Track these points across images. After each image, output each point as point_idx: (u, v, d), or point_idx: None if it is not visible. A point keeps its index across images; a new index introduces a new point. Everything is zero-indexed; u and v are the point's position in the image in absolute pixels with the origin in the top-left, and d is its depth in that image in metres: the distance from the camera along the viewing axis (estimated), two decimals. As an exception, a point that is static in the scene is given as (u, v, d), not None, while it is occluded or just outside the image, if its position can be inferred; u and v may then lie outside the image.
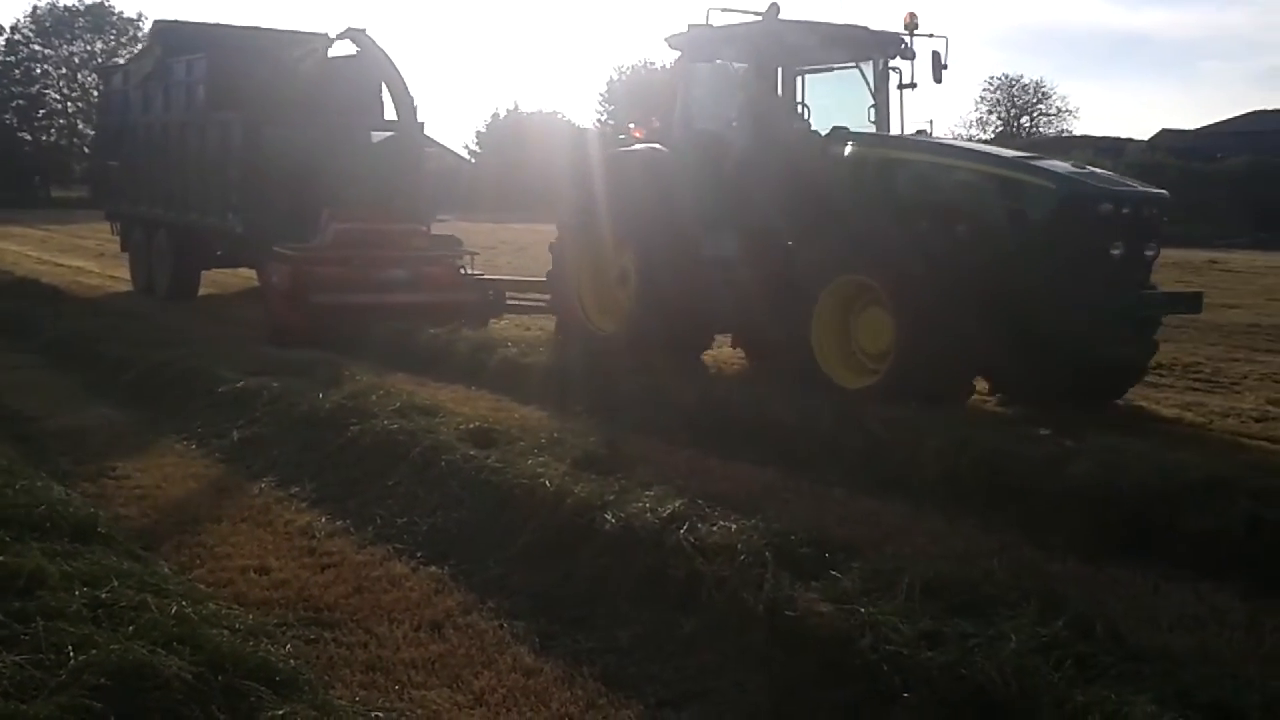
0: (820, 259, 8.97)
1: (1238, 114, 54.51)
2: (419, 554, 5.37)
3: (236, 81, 15.29)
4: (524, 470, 5.80)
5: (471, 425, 6.85)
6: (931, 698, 3.57)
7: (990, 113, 72.41)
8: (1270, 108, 55.22)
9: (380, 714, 3.77)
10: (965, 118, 78.71)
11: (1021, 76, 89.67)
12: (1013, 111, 71.24)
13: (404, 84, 15.28)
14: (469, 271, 13.30)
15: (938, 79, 10.30)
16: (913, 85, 10.35)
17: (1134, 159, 42.04)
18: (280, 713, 3.38)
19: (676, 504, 5.16)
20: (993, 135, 66.55)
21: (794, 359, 9.02)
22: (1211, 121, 54.89)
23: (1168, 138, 51.60)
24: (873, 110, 10.50)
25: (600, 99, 70.00)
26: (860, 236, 8.83)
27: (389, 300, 11.99)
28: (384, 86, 15.68)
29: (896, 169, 9.30)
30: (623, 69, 70.00)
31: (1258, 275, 21.59)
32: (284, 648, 4.07)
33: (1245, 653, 4.09)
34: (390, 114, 15.79)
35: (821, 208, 9.32)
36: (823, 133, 9.94)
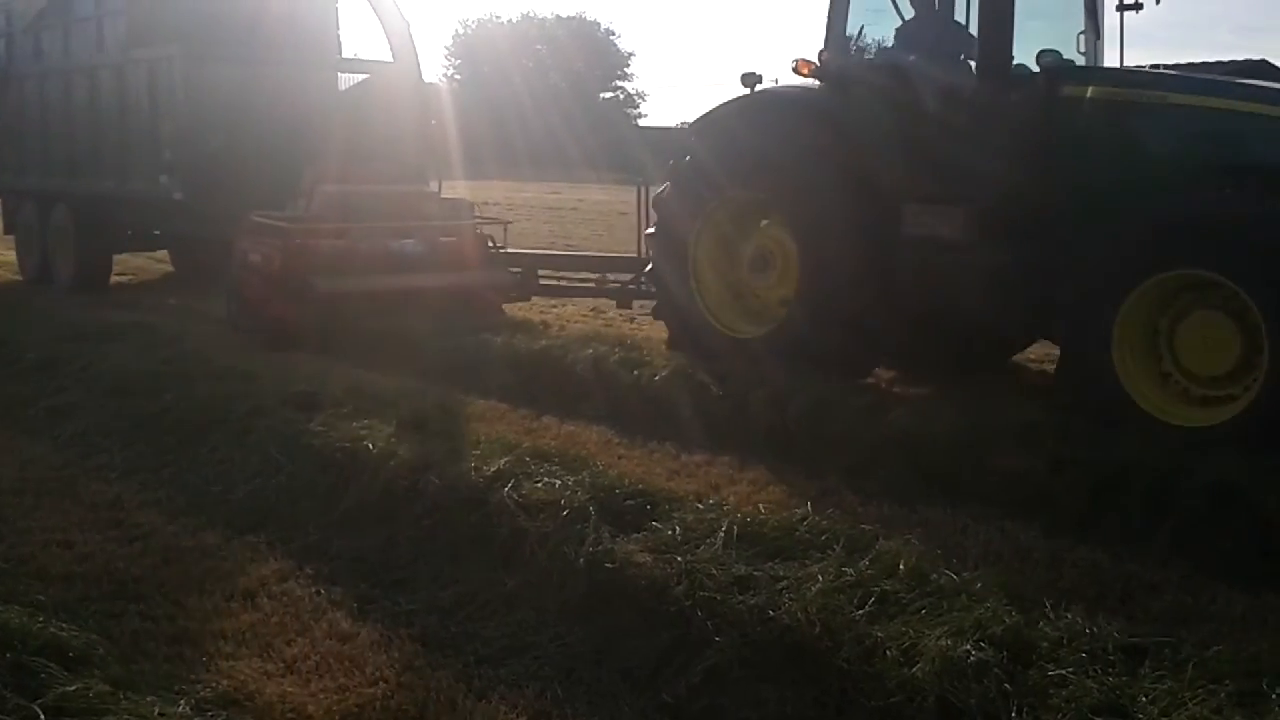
0: (1127, 246, 6.16)
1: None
2: (234, 522, 5.19)
3: (164, 12, 12.21)
4: (347, 433, 5.66)
5: (295, 389, 6.64)
6: (741, 640, 3.64)
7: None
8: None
9: (183, 686, 3.64)
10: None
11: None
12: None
13: (397, 9, 12.22)
14: (496, 245, 10.56)
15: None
16: (1137, 6, 7.72)
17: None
18: (71, 689, 3.24)
19: (502, 462, 5.12)
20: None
21: (1084, 384, 6.22)
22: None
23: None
24: (1082, 39, 7.77)
25: (446, 53, 68.81)
26: (1186, 214, 6.11)
27: (408, 283, 9.37)
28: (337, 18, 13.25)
29: (1178, 119, 6.56)
30: (468, 22, 68.93)
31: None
32: (83, 623, 3.90)
33: (1044, 587, 4.27)
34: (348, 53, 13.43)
35: (1080, 170, 6.71)
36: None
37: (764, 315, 7.97)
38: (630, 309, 11.02)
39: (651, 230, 8.63)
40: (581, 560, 4.27)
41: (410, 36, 12.46)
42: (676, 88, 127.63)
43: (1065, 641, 3.50)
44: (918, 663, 3.34)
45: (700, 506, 4.81)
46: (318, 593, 4.46)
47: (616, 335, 8.96)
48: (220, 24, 12.14)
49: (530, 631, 4.10)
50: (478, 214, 11.15)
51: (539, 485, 4.85)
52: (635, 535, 4.44)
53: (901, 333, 7.48)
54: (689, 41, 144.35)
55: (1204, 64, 10.92)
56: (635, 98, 74.45)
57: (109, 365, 7.37)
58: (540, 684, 3.72)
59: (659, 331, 8.99)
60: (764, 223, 7.98)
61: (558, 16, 70.68)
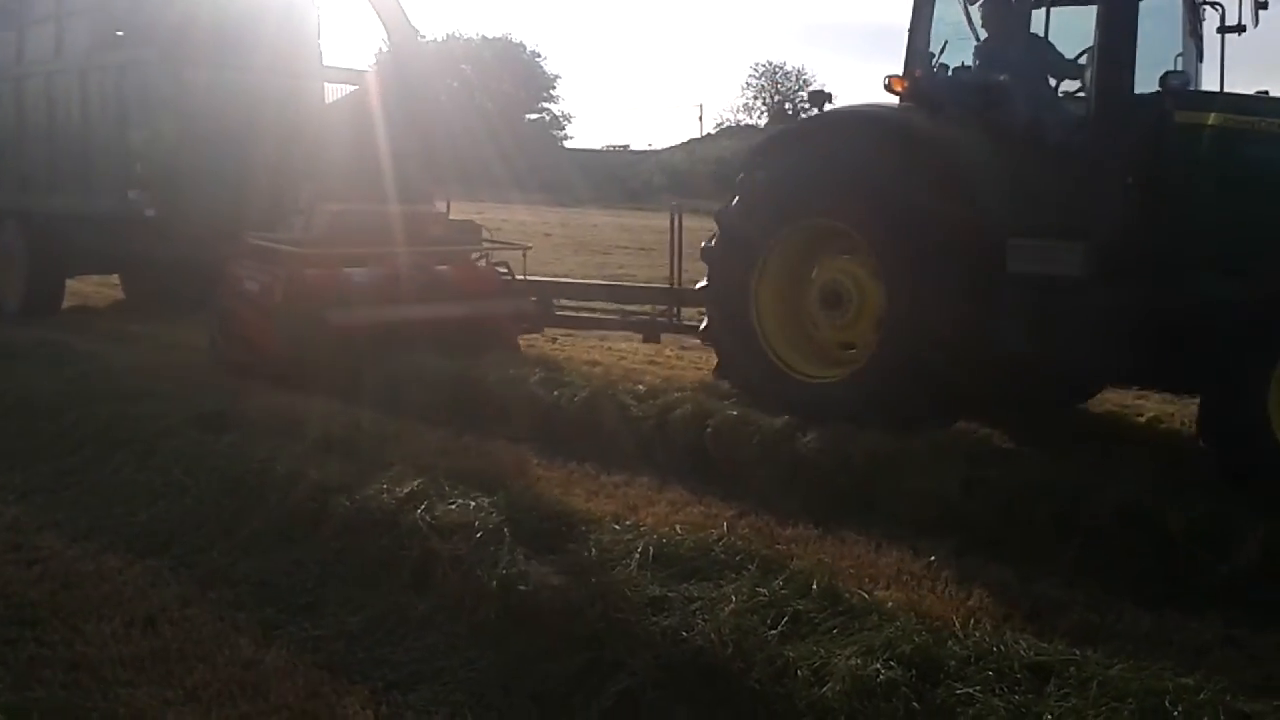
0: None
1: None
2: (136, 546, 5.03)
3: (131, 14, 11.13)
4: (255, 454, 5.53)
5: (204, 409, 6.48)
6: (654, 662, 3.61)
7: (756, 98, 75.10)
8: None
9: (79, 715, 3.51)
10: (733, 103, 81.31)
11: (785, 63, 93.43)
12: (776, 98, 74.10)
13: (404, 14, 10.82)
14: (507, 272, 9.64)
15: (1255, 21, 7.18)
16: (1240, 28, 7.08)
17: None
18: (-47, 720, 3.10)
19: (415, 483, 5.05)
20: (762, 121, 68.94)
21: (1233, 438, 5.64)
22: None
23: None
24: (1180, 60, 7.09)
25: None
26: None
27: (425, 314, 8.51)
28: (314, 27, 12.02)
29: None
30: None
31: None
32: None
33: (954, 606, 4.32)
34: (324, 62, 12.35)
35: (1210, 204, 6.14)
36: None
37: (826, 356, 7.25)
38: (658, 342, 10.12)
39: (710, 245, 7.77)
40: (494, 583, 4.21)
41: (416, 45, 11.52)
42: (603, 109, 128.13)
43: (973, 660, 3.53)
44: (828, 682, 3.34)
45: (617, 528, 4.79)
46: (221, 618, 4.33)
47: (540, 357, 8.90)
48: (192, 27, 10.95)
49: (441, 656, 4.02)
50: (488, 237, 10.25)
51: (453, 507, 4.79)
52: (550, 557, 4.40)
53: (996, 379, 6.62)
54: (614, 64, 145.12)
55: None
56: (561, 119, 74.71)
57: (12, 384, 7.12)
58: (450, 709, 3.66)
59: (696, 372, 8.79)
60: (841, 256, 7.17)
61: (484, 37, 70.65)
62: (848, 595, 4.05)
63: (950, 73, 7.35)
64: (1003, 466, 5.59)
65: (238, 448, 5.67)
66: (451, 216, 10.26)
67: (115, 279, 14.02)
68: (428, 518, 4.69)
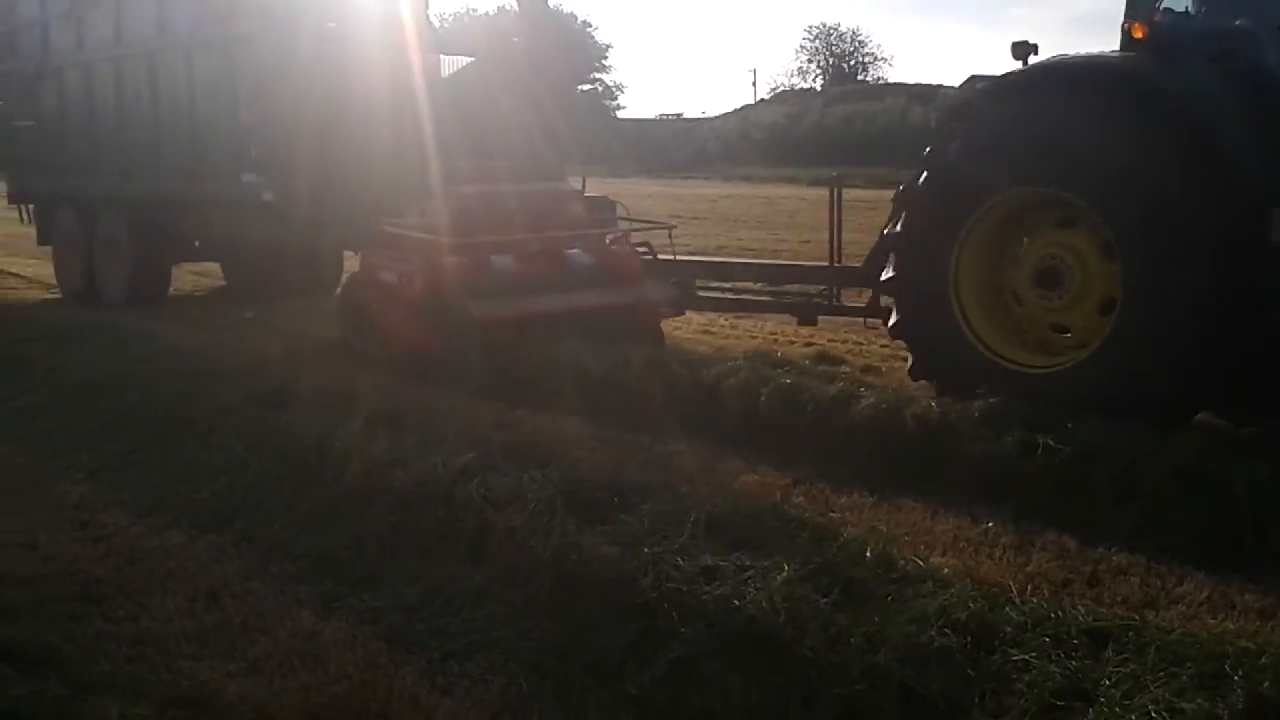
0: None
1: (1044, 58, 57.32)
2: (199, 522, 5.14)
3: None
4: (313, 430, 5.62)
5: (261, 389, 6.58)
6: (707, 630, 3.61)
7: (810, 61, 74.09)
8: (1069, 51, 58.38)
9: (144, 687, 3.60)
10: (787, 67, 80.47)
11: (839, 24, 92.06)
12: (830, 60, 73.01)
13: None
14: (648, 253, 9.01)
15: None
16: None
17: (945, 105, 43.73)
18: (24, 691, 3.20)
19: (469, 456, 5.09)
20: (818, 85, 68.08)
21: None
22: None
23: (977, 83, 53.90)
24: None
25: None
26: None
27: (573, 303, 7.93)
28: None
29: None
30: (444, 16, 68.53)
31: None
32: (45, 626, 3.86)
33: (1011, 572, 4.28)
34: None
35: None
36: None
37: (1037, 341, 6.51)
38: (814, 325, 9.42)
39: (895, 229, 6.96)
40: (548, 554, 4.24)
41: (547, 10, 10.78)
42: (655, 78, 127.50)
43: (1029, 626, 3.50)
44: (881, 650, 3.32)
45: (670, 497, 4.79)
46: (282, 591, 4.42)
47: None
48: None
49: (496, 626, 4.06)
50: (623, 213, 9.41)
51: (506, 479, 4.82)
52: (602, 528, 4.42)
53: (1258, 367, 5.79)
54: (666, 32, 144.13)
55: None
56: (613, 89, 74.41)
57: (76, 365, 7.29)
58: (505, 679, 3.69)
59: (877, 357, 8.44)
60: (1059, 229, 6.37)
61: (535, 8, 70.24)
62: (902, 562, 4.02)
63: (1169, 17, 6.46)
64: (1060, 431, 5.49)
65: (295, 425, 5.76)
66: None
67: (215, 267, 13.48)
68: (482, 490, 4.73)
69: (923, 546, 4.48)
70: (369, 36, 10.18)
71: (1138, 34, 6.20)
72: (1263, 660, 3.16)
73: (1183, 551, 4.44)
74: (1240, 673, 3.09)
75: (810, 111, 50.97)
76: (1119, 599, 4.02)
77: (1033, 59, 6.61)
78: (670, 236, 8.96)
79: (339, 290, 8.87)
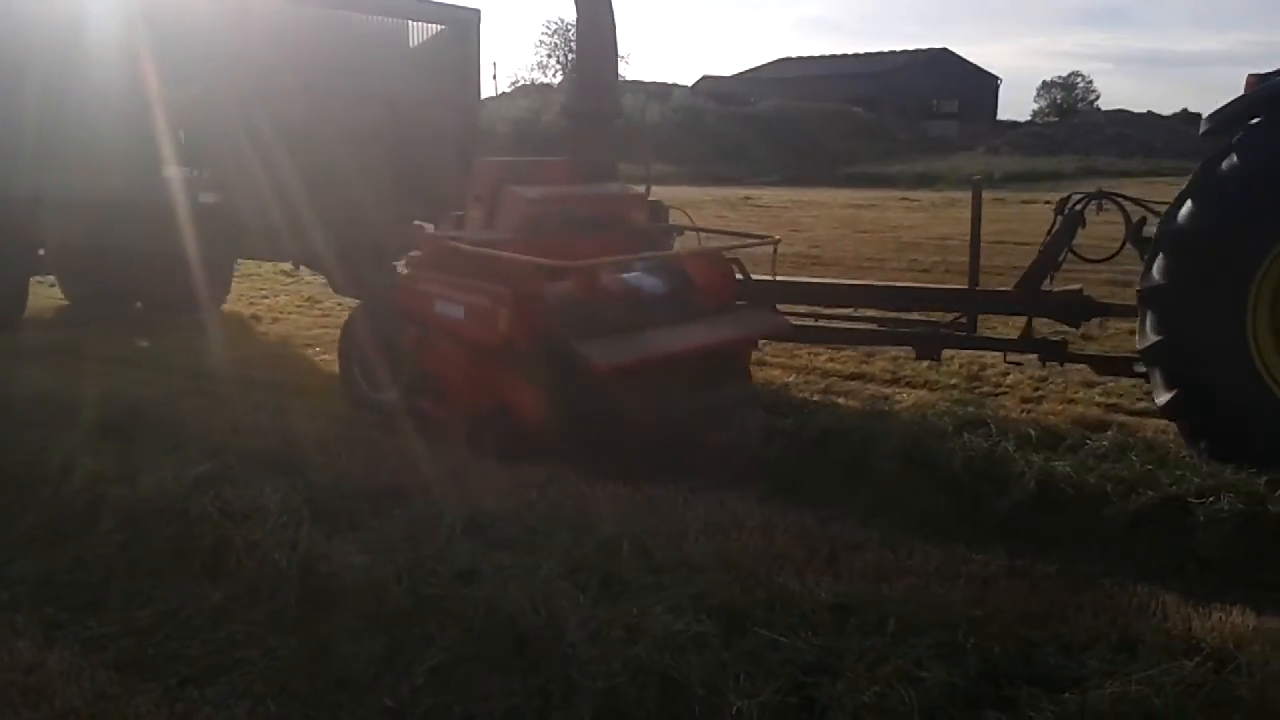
0: None
1: (768, 61, 60.19)
2: (-108, 553, 4.59)
3: None
4: (26, 445, 5.13)
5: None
6: (466, 635, 3.55)
7: (550, 56, 74.47)
8: (795, 55, 61.41)
9: None
10: (527, 62, 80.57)
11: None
12: (570, 55, 73.63)
13: None
14: (741, 272, 6.91)
15: None
16: None
17: (679, 103, 45.09)
18: None
19: (204, 467, 4.79)
20: (556, 80, 68.46)
21: None
22: (747, 68, 60.25)
23: (708, 83, 56.03)
24: None
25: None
26: None
27: (696, 342, 6.22)
28: None
29: None
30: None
31: (784, 210, 23.98)
32: None
33: (758, 554, 4.43)
34: None
35: None
36: None
37: None
38: (936, 360, 7.74)
39: (1151, 279, 5.70)
40: (293, 566, 4.05)
41: None
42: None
43: (777, 606, 3.63)
44: (641, 641, 3.36)
45: (425, 501, 4.68)
46: (-4, 622, 4.01)
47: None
48: None
49: (238, 646, 3.84)
50: (684, 221, 7.39)
51: (246, 490, 4.57)
52: (353, 535, 4.26)
53: None
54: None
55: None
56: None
57: None
58: (251, 701, 3.50)
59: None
60: None
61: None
62: (658, 552, 4.10)
63: None
64: (799, 416, 5.76)
65: (6, 439, 5.24)
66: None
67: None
68: (219, 504, 4.45)
69: (677, 534, 4.57)
70: None
71: None
72: (991, 628, 3.40)
73: (912, 525, 4.74)
74: (972, 641, 3.32)
75: (551, 106, 51.12)
76: (857, 573, 4.23)
77: None
78: (775, 253, 6.83)
79: (346, 327, 7.26)
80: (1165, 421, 6.29)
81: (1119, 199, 6.75)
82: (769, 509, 4.95)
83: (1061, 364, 7.08)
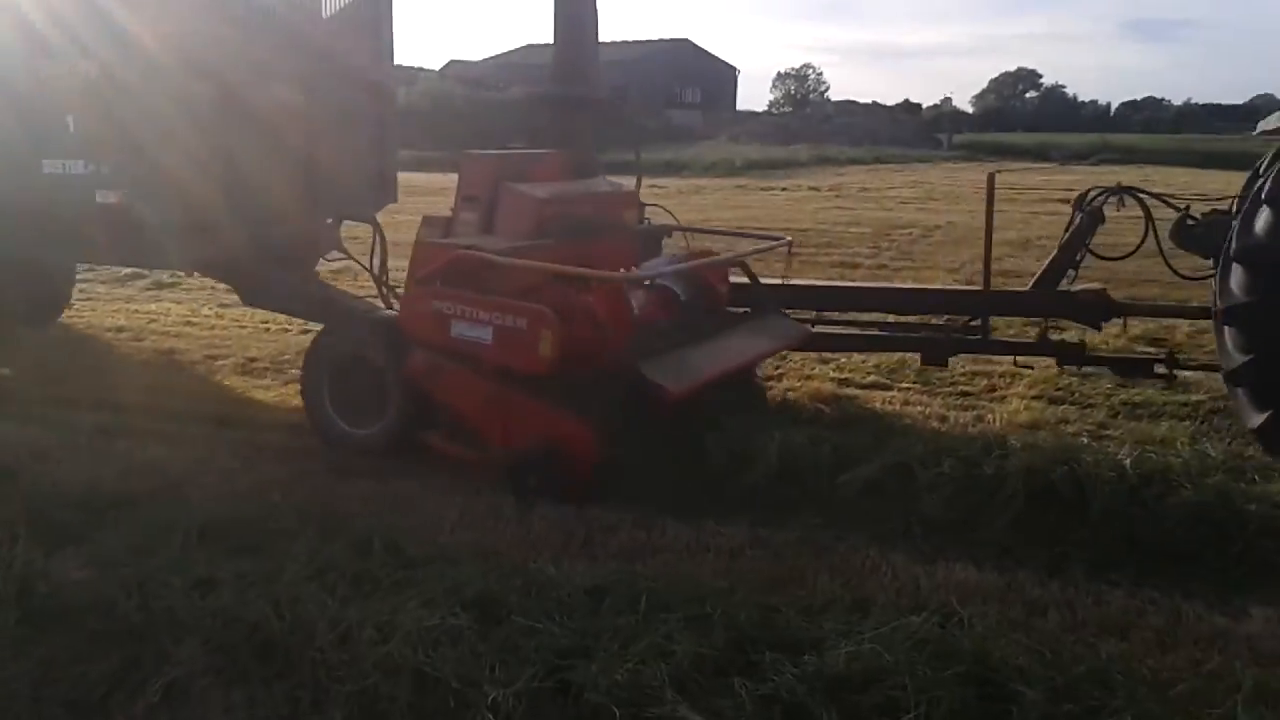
0: None
1: (517, 47, 60.13)
2: None
3: None
4: None
5: None
6: (203, 648, 3.37)
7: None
8: (539, 42, 61.49)
9: None
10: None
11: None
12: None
13: None
14: (750, 277, 6.56)
15: None
16: None
17: (427, 88, 44.41)
18: None
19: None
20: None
21: None
22: (495, 53, 60.01)
23: (456, 68, 55.47)
24: None
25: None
26: None
27: (739, 356, 5.76)
28: None
29: None
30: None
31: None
32: None
33: (515, 543, 4.42)
34: None
35: None
36: None
37: None
38: (943, 367, 7.23)
39: (1230, 293, 5.42)
40: (11, 587, 3.72)
41: None
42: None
43: (533, 592, 3.65)
44: (393, 639, 3.29)
45: (156, 508, 4.41)
46: None
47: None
48: None
49: (-52, 678, 3.50)
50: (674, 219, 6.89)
51: (-50, 507, 4.17)
52: (76, 549, 3.97)
53: None
54: None
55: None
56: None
57: None
58: (-35, 736, 3.20)
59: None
60: None
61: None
62: (412, 548, 4.02)
63: None
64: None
65: None
66: None
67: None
68: (-84, 524, 4.04)
69: (432, 528, 4.50)
70: None
71: None
72: (736, 597, 3.54)
73: (665, 503, 4.85)
74: (719, 610, 3.44)
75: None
76: (611, 553, 4.30)
77: None
78: (790, 254, 6.61)
79: (311, 355, 6.18)
80: (889, 393, 6.74)
81: (1139, 194, 6.59)
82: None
83: (1079, 367, 6.88)
